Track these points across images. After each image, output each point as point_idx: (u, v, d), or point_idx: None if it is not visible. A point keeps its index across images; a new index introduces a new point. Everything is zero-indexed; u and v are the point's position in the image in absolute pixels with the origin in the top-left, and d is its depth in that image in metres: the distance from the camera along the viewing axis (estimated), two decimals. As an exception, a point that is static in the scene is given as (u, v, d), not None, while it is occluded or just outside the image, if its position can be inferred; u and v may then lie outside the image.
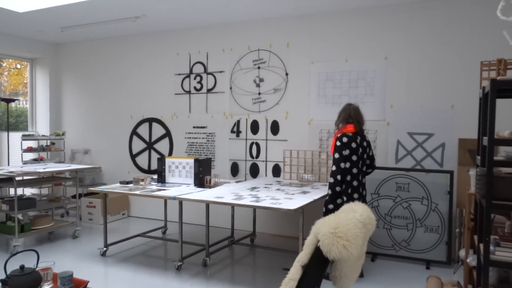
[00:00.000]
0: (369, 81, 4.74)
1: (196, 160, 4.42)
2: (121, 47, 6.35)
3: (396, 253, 4.30)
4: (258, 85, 5.35)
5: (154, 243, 4.92)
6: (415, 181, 4.25)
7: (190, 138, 5.83)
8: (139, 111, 6.22)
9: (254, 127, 5.39)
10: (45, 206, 4.91)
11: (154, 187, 4.27)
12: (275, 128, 5.27)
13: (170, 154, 5.98)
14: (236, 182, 4.80)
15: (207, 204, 3.88)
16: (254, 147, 5.40)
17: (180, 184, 4.48)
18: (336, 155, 3.57)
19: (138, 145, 6.25)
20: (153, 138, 6.12)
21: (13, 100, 6.11)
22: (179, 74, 5.88)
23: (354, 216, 1.51)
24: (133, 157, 6.29)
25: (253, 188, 4.24)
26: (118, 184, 4.54)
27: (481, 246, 2.49)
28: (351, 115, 3.69)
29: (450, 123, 4.35)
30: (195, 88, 5.77)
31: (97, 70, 6.59)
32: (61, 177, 5.42)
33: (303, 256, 1.46)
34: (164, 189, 4.14)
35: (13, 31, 6.04)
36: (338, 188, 3.55)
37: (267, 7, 4.78)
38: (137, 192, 3.96)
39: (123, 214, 6.21)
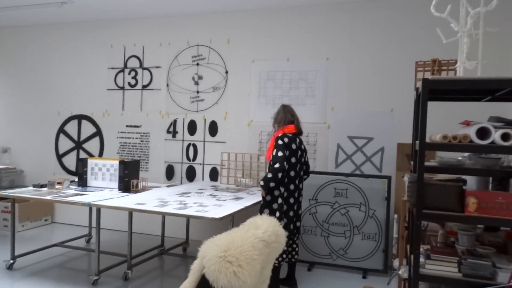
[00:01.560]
0: (310, 82, 4.55)
1: (121, 162, 4.01)
2: (48, 36, 5.78)
3: (333, 261, 4.13)
4: (196, 83, 5.02)
5: (74, 253, 4.44)
6: (353, 187, 4.10)
7: (122, 137, 5.39)
8: (67, 107, 5.69)
9: (192, 128, 5.06)
10: None
11: (72, 192, 3.82)
12: (213, 129, 4.96)
13: (101, 154, 5.51)
14: (168, 186, 4.44)
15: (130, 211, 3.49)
16: (191, 149, 5.06)
17: (103, 188, 4.05)
18: (280, 153, 3.30)
19: (65, 144, 5.71)
20: (82, 137, 5.61)
21: None
22: (112, 68, 5.43)
23: (254, 234, 1.24)
24: (59, 157, 5.73)
25: (183, 194, 3.91)
26: (31, 188, 4.03)
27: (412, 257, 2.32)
28: (293, 115, 3.54)
29: (390, 127, 4.25)
30: (129, 83, 5.35)
31: (20, 60, 5.97)
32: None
33: (186, 286, 1.16)
34: (82, 194, 3.71)
35: None
36: (272, 184, 3.28)
37: (208, 0, 4.48)
38: (48, 197, 3.50)
39: (45, 220, 5.64)
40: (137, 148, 5.30)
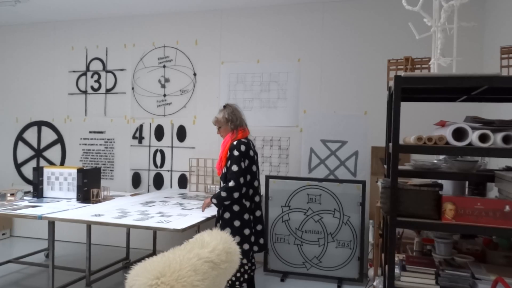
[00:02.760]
0: (281, 84, 4.39)
1: (79, 170, 3.73)
2: (3, 38, 5.43)
3: (307, 271, 3.95)
4: (163, 86, 4.78)
5: (30, 270, 4.10)
6: (327, 192, 3.94)
7: (85, 144, 5.09)
8: (26, 113, 5.34)
9: (159, 133, 4.81)
10: None
11: (25, 204, 3.52)
12: (181, 133, 4.73)
13: (62, 163, 5.18)
14: (132, 195, 4.18)
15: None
16: (159, 155, 4.81)
17: (60, 199, 3.76)
18: (235, 167, 2.93)
19: (24, 152, 5.35)
20: (43, 145, 5.27)
21: None
22: (73, 72, 5.13)
23: (198, 254, 1.04)
24: (17, 166, 5.37)
25: (147, 203, 3.66)
26: (-21, 200, 3.70)
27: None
28: (242, 117, 3.21)
29: (363, 130, 4.13)
30: (92, 87, 5.06)
31: (-25, 63, 5.59)
32: None
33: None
34: (35, 206, 3.41)
35: None
36: (236, 208, 2.99)
37: (171, -2, 4.27)
38: (-6, 210, 3.19)
39: (3, 234, 5.25)
40: (101, 155, 5.01)
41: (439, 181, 2.29)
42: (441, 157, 2.50)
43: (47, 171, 3.86)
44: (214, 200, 2.98)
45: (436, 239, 2.29)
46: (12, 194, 3.73)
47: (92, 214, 3.07)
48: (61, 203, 3.58)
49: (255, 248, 3.12)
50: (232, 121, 3.10)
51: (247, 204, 3.03)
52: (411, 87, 2.25)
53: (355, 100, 4.17)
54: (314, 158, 4.28)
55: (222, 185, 3.06)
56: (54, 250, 3.27)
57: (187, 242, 1.20)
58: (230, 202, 2.97)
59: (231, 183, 2.92)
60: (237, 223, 2.97)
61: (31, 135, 5.32)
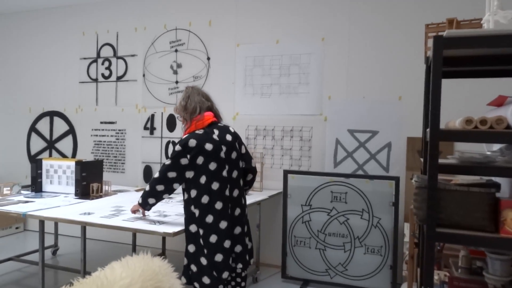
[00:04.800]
0: (303, 67, 3.89)
1: (78, 163, 3.42)
2: (15, 26, 5.24)
3: (331, 279, 3.46)
4: (175, 72, 4.40)
5: (32, 268, 3.85)
6: (354, 190, 3.42)
7: (97, 135, 4.81)
8: (39, 102, 5.14)
9: (171, 123, 4.44)
10: None
11: (18, 199, 3.24)
12: (194, 124, 4.33)
13: (74, 155, 4.94)
14: (138, 190, 3.84)
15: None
16: (171, 147, 4.44)
17: (58, 194, 3.46)
18: (167, 161, 2.39)
19: (37, 144, 5.16)
20: (55, 136, 5.05)
21: None
22: (84, 58, 4.85)
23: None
24: (31, 158, 5.19)
25: (150, 199, 3.28)
26: (-26, 194, 3.47)
27: (422, 292, 1.66)
28: (208, 98, 2.57)
29: (397, 119, 3.56)
30: (103, 75, 4.76)
31: (-10, 53, 5.45)
32: None
33: None
34: (27, 201, 3.12)
35: None
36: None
37: (180, -27, 3.86)
38: (-22, 206, 2.92)
39: (16, 228, 5.09)
40: (112, 147, 4.72)
41: (495, 179, 1.74)
42: (496, 147, 1.93)
43: (46, 163, 3.58)
44: (140, 199, 2.46)
45: (489, 254, 1.75)
46: (10, 188, 3.47)
47: (81, 212, 2.73)
48: (57, 198, 3.28)
49: (225, 274, 2.38)
50: (186, 109, 2.48)
51: (196, 213, 2.35)
52: (456, 57, 1.71)
53: (387, 84, 3.60)
54: (340, 151, 3.76)
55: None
56: (43, 253, 2.95)
57: (83, 281, 0.77)
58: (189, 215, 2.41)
59: (155, 175, 2.39)
60: (187, 232, 2.40)
61: (43, 126, 5.12)
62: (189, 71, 4.33)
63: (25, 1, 4.79)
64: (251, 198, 3.46)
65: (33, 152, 5.19)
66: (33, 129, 5.17)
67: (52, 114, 5.06)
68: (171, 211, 2.85)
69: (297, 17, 3.89)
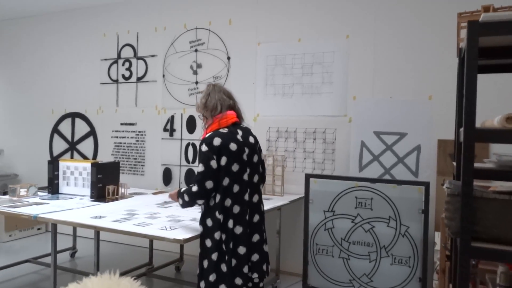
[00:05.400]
0: (326, 66, 3.70)
1: (93, 165, 3.36)
2: (38, 29, 5.30)
3: (354, 291, 3.24)
4: (195, 72, 4.31)
5: (48, 271, 3.82)
6: (380, 196, 3.20)
7: (117, 137, 4.78)
8: (61, 104, 5.16)
9: (191, 124, 4.35)
10: None
11: (33, 200, 3.20)
12: (214, 125, 4.21)
13: (95, 157, 4.93)
14: (155, 193, 3.75)
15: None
16: (191, 149, 4.34)
17: (74, 196, 3.41)
18: (200, 168, 2.21)
19: (59, 145, 5.19)
20: (76, 137, 5.06)
21: None
22: (105, 60, 4.84)
23: None
24: (53, 159, 5.20)
25: (165, 203, 3.19)
26: (-7, 195, 3.47)
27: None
28: (230, 96, 2.41)
29: (427, 120, 3.32)
30: (123, 76, 4.73)
31: (15, 55, 5.54)
32: None
33: None
34: (41, 203, 3.08)
35: None
36: (209, 222, 2.23)
37: (199, -29, 3.77)
38: (-9, 207, 2.89)
39: (38, 229, 5.13)
40: (132, 149, 4.67)
41: (541, 186, 1.52)
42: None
43: (63, 164, 3.55)
44: (180, 201, 2.30)
45: (534, 273, 1.52)
46: (26, 190, 3.45)
47: (93, 216, 2.65)
48: (72, 200, 3.23)
49: (237, 281, 2.23)
50: (207, 106, 2.34)
51: (220, 217, 2.20)
52: (493, 48, 1.51)
53: (417, 82, 3.37)
54: (365, 154, 3.55)
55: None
56: (56, 254, 2.90)
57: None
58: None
59: (194, 188, 2.20)
60: (208, 242, 2.23)
61: (65, 127, 5.14)
62: (209, 71, 4.23)
63: (47, 4, 4.83)
64: (271, 203, 3.31)
65: (55, 153, 5.22)
66: (55, 130, 5.21)
67: (73, 116, 5.07)
68: (185, 216, 2.73)
69: (320, 14, 3.71)
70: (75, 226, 2.51)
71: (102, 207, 2.97)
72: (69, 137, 5.11)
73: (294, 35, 3.82)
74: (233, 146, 2.23)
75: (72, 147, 5.08)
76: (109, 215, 2.69)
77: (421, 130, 3.33)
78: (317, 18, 3.72)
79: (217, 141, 2.19)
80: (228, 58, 4.13)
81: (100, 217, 2.63)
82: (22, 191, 3.42)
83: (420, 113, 3.34)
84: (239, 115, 2.42)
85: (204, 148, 2.20)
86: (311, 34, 3.75)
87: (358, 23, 3.57)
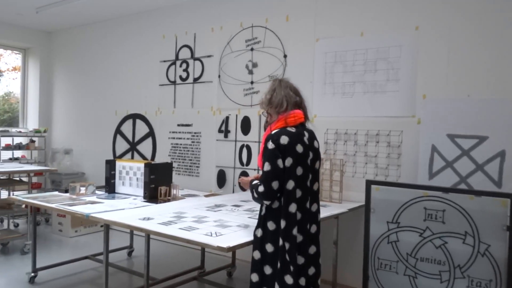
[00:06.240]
0: (392, 62, 3.37)
1: (147, 165, 3.33)
2: (103, 33, 5.50)
3: (422, 314, 2.87)
4: (250, 72, 4.17)
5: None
6: (454, 208, 2.80)
7: (174, 138, 4.78)
8: (123, 105, 5.30)
9: (245, 126, 4.21)
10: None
11: (90, 199, 3.24)
12: (270, 127, 4.04)
13: (153, 157, 4.98)
14: (207, 196, 3.64)
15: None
16: (245, 151, 4.21)
17: (129, 196, 3.41)
18: (267, 166, 2.03)
19: (121, 145, 5.32)
20: (137, 138, 5.16)
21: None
22: (164, 61, 4.87)
23: None
24: (120, 159, 5.36)
25: (216, 206, 3.06)
26: (54, 192, 3.58)
27: None
28: (297, 93, 2.23)
29: (514, 121, 2.86)
30: (180, 77, 4.72)
31: (83, 59, 5.80)
32: (15, 180, 4.62)
33: None
34: (96, 202, 3.10)
35: (2, 17, 5.45)
36: (272, 226, 2.06)
37: (256, -34, 3.62)
38: (47, 204, 2.94)
39: (101, 226, 5.26)
40: (188, 150, 4.64)
41: None
42: None
43: (119, 164, 3.57)
44: (251, 193, 2.14)
45: None
46: (85, 188, 3.52)
47: (141, 217, 2.59)
48: (125, 200, 3.22)
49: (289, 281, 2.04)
50: (272, 102, 2.15)
51: (285, 224, 2.02)
52: None
53: (499, 79, 2.93)
54: (437, 160, 3.16)
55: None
56: (108, 253, 2.87)
57: None
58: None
59: (260, 188, 2.04)
60: (270, 247, 2.06)
61: (127, 128, 5.26)
62: (265, 70, 4.06)
63: (110, 10, 5.01)
64: (328, 210, 3.06)
65: (117, 153, 5.36)
66: (118, 131, 5.35)
67: (134, 117, 5.18)
68: (233, 221, 2.57)
69: (386, 4, 3.39)
70: (122, 226, 2.44)
71: (153, 208, 2.91)
72: (130, 138, 5.22)
73: (356, 29, 3.53)
74: (299, 148, 2.06)
75: (133, 147, 5.19)
76: (157, 217, 2.61)
77: (505, 133, 2.88)
78: (382, 9, 3.40)
79: (284, 140, 2.02)
80: (285, 56, 3.94)
81: (148, 218, 2.55)
82: (82, 189, 3.48)
83: (504, 114, 2.89)
84: (305, 114, 2.23)
85: (271, 145, 2.03)
86: (375, 27, 3.44)
87: (430, 13, 3.19)
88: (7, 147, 5.46)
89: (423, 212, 2.91)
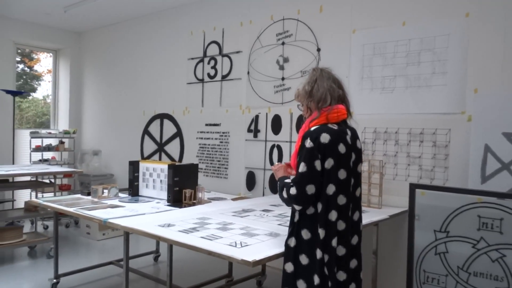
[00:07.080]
0: (438, 53, 3.03)
1: (170, 167, 3.15)
2: (133, 31, 5.41)
3: (476, 336, 2.53)
4: (281, 67, 3.92)
5: (130, 275, 3.73)
6: (514, 216, 2.45)
7: (202, 138, 4.60)
8: (151, 105, 5.19)
9: (276, 125, 3.97)
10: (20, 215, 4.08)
11: (112, 202, 3.10)
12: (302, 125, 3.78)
13: (181, 158, 4.82)
14: (234, 199, 3.43)
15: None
16: (275, 152, 3.97)
17: (152, 199, 3.25)
18: (302, 167, 1.79)
19: (149, 146, 5.21)
20: (164, 138, 5.02)
21: (21, 93, 5.50)
22: (192, 59, 4.71)
23: None
24: (144, 160, 5.25)
25: (243, 211, 2.84)
26: (75, 195, 3.47)
27: None
28: (340, 86, 1.93)
29: None
30: (208, 75, 4.54)
31: (111, 59, 5.75)
32: (44, 182, 4.58)
33: None
34: (117, 206, 2.94)
35: (34, 18, 5.48)
36: (306, 235, 1.82)
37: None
38: (66, 208, 2.81)
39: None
40: (216, 151, 4.45)
41: None
42: None
43: (142, 166, 3.42)
44: (279, 190, 1.89)
45: None
46: (108, 191, 3.39)
47: (161, 223, 2.40)
48: (148, 204, 3.05)
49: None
50: (312, 94, 1.88)
51: (323, 234, 1.78)
52: None
53: None
54: (491, 161, 2.80)
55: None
56: (128, 260, 2.70)
57: None
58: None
59: (293, 190, 1.78)
60: (304, 259, 1.82)
61: (155, 128, 5.14)
62: (296, 66, 3.81)
63: (137, 8, 4.91)
64: (367, 216, 2.77)
65: (145, 154, 5.25)
66: (146, 131, 5.24)
67: (162, 117, 5.05)
68: (262, 228, 2.34)
69: (431, -11, 3.06)
70: (140, 234, 2.25)
71: (175, 213, 2.72)
72: (158, 138, 5.10)
73: (397, 17, 3.21)
74: (342, 148, 1.82)
75: (161, 148, 5.06)
76: (179, 223, 2.42)
77: None
78: (427, -5, 3.07)
79: (324, 138, 1.77)
80: (318, 49, 3.67)
81: (169, 225, 2.36)
82: (105, 192, 3.35)
83: None
84: (348, 110, 1.96)
85: (309, 143, 1.78)
86: (418, 14, 3.11)
87: (483, -4, 2.84)
88: (37, 149, 5.47)
89: (476, 220, 2.57)
